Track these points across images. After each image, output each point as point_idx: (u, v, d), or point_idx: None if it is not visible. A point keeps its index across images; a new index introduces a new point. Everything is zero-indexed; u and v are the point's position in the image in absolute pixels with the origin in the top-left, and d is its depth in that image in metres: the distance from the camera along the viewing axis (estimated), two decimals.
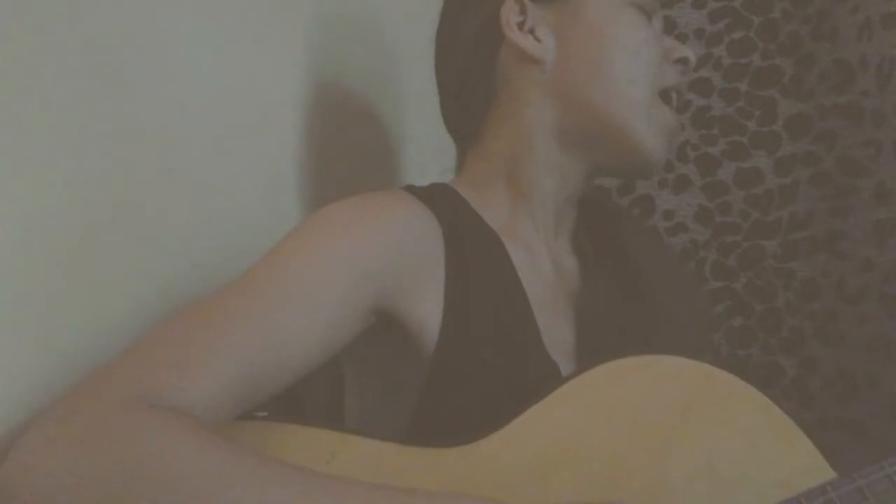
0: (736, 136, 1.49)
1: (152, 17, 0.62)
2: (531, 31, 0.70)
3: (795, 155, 1.46)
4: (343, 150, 0.89)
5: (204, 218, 0.67)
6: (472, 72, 0.73)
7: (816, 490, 0.47)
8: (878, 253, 1.36)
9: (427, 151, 0.83)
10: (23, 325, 0.50)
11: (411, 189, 0.66)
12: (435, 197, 0.65)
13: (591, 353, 0.57)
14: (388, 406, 0.63)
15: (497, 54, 0.71)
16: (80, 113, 0.55)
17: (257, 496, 0.44)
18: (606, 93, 0.68)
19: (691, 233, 1.52)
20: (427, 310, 0.60)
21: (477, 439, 0.53)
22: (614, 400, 0.53)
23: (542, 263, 0.69)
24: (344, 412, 0.69)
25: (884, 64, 1.32)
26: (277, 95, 0.78)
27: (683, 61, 0.73)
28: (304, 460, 0.49)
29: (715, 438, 0.52)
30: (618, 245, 0.74)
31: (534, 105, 0.70)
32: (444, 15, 0.77)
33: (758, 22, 1.48)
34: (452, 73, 0.74)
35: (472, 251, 0.63)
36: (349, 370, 0.67)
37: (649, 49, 0.70)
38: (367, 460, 0.52)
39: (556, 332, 0.65)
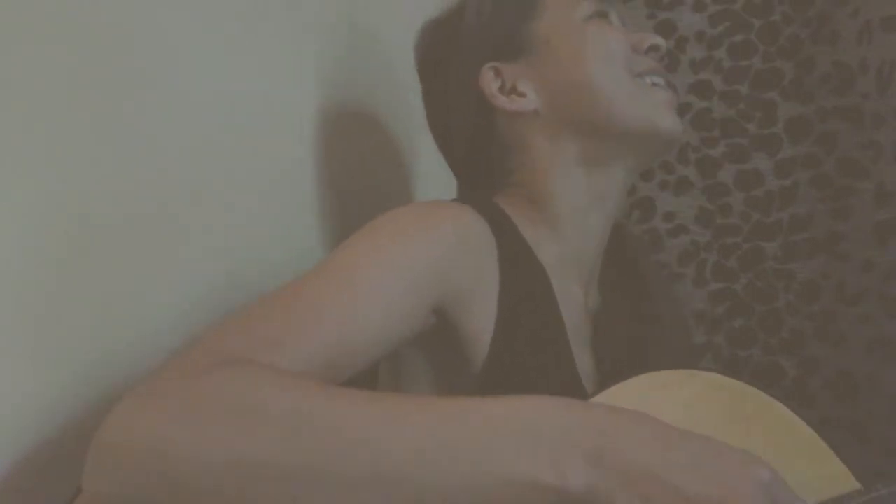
0: (736, 138, 1.50)
1: (168, 25, 0.62)
2: (513, 90, 0.73)
3: (796, 157, 1.47)
4: (355, 156, 0.90)
5: (214, 223, 0.68)
6: (478, 144, 0.76)
7: (842, 498, 0.48)
8: (878, 254, 1.38)
9: (438, 159, 0.84)
10: (25, 332, 0.50)
11: (470, 202, 0.68)
12: (488, 211, 0.67)
13: (609, 379, 0.58)
14: None
15: (494, 121, 0.75)
16: (86, 116, 0.55)
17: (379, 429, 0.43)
18: (604, 108, 0.71)
19: (692, 234, 1.53)
20: (481, 316, 0.61)
21: None
22: (649, 413, 0.53)
23: (574, 294, 0.71)
24: None
25: (884, 67, 1.33)
26: (291, 104, 0.79)
27: (654, 48, 0.76)
28: None
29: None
30: (631, 270, 0.76)
31: (544, 148, 0.73)
32: (431, 102, 0.81)
33: (758, 25, 1.49)
34: (459, 148, 0.78)
35: (521, 270, 0.65)
36: (389, 373, 0.68)
37: (617, 45, 0.73)
38: None
39: (583, 362, 0.66)
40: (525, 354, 0.62)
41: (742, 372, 1.51)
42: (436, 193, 0.94)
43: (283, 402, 0.44)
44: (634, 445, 0.43)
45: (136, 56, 0.60)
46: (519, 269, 0.65)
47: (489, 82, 0.74)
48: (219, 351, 0.48)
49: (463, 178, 0.84)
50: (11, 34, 0.49)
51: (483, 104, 0.74)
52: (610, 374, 0.66)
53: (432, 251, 0.59)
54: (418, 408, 0.44)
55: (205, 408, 0.43)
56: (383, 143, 0.98)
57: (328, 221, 0.83)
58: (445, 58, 0.78)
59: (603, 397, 0.53)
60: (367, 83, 0.95)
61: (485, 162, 0.77)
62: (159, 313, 0.61)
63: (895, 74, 1.30)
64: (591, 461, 0.41)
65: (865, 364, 1.39)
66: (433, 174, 0.97)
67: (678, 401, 0.54)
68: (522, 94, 0.73)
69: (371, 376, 0.68)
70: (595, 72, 0.71)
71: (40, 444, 0.50)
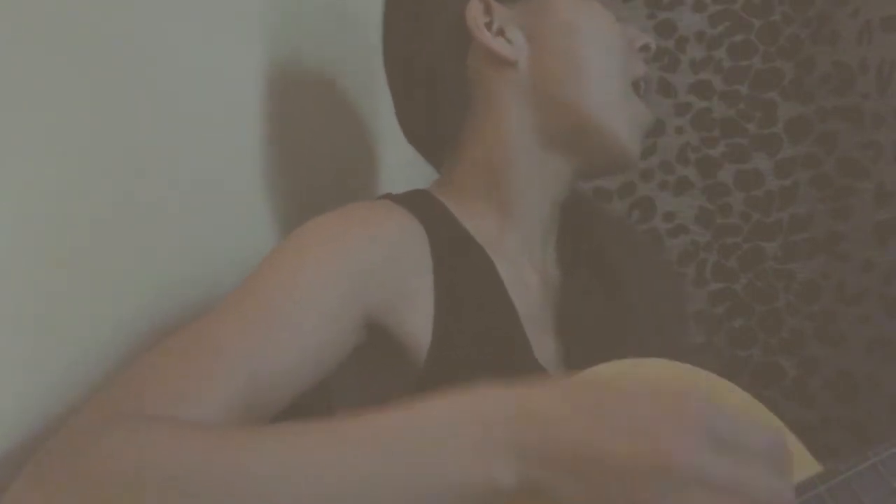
0: (736, 138, 1.50)
1: (153, 21, 0.62)
2: (500, 33, 0.67)
3: (796, 157, 1.47)
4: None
5: (218, 225, 0.67)
6: (442, 79, 0.69)
7: (805, 484, 0.47)
8: (878, 254, 1.38)
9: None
10: (21, 328, 0.49)
11: (393, 198, 0.64)
12: (419, 206, 0.63)
13: (577, 364, 0.56)
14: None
15: (466, 58, 0.68)
16: (89, 119, 0.55)
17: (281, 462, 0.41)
18: (583, 89, 0.67)
19: (692, 234, 1.53)
20: (416, 322, 0.58)
21: None
22: None
23: (528, 277, 0.67)
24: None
25: (883, 67, 1.33)
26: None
27: (645, 49, 0.72)
28: None
29: None
30: (595, 247, 0.72)
31: (511, 108, 0.68)
32: (395, 18, 0.72)
33: (758, 25, 1.49)
34: (417, 81, 0.70)
35: (459, 263, 0.61)
36: (337, 385, 0.66)
37: (617, 41, 0.69)
38: None
39: (544, 345, 0.63)
40: (470, 349, 0.58)
41: (742, 372, 1.51)
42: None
43: (174, 463, 0.41)
44: (559, 425, 0.41)
45: (131, 52, 0.59)
46: (458, 261, 0.61)
47: (477, 14, 0.66)
48: (112, 409, 0.45)
49: (415, 138, 0.75)
50: (10, 34, 0.49)
51: (459, 38, 0.67)
52: (574, 355, 0.63)
53: (353, 267, 0.56)
54: (325, 437, 0.42)
55: (92, 487, 0.40)
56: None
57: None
58: None
59: None
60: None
61: (441, 111, 0.70)
62: (157, 315, 0.61)
63: (895, 74, 1.30)
64: (516, 455, 0.40)
65: (865, 364, 1.39)
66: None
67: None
68: (509, 41, 0.67)
69: (323, 388, 0.66)
70: (593, 57, 0.67)
71: (35, 444, 0.50)
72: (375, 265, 0.57)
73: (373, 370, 0.61)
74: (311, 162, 0.85)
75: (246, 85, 0.74)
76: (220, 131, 0.70)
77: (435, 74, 0.69)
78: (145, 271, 0.60)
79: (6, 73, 0.48)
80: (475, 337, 0.59)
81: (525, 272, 0.67)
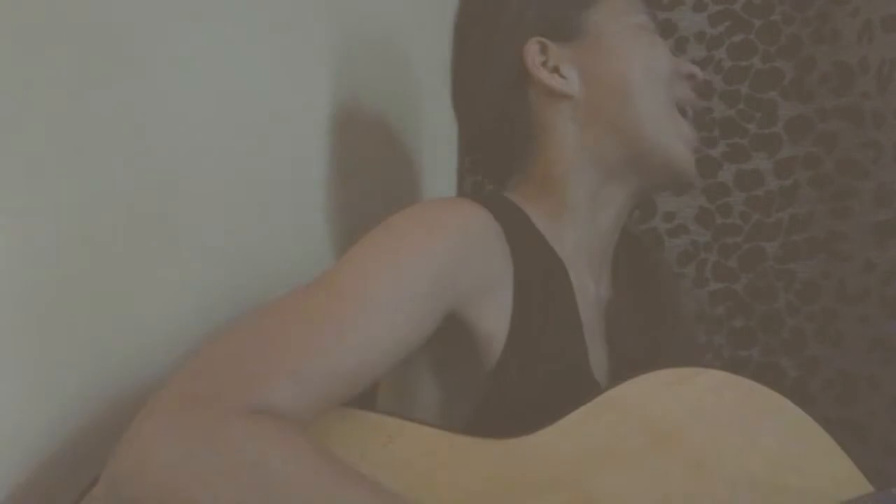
0: (736, 138, 1.50)
1: (169, 25, 0.62)
2: (556, 70, 0.74)
3: (796, 157, 1.47)
4: (361, 160, 0.89)
5: (220, 226, 0.68)
6: (505, 116, 0.76)
7: (855, 502, 0.48)
8: (878, 254, 1.37)
9: (444, 164, 0.84)
10: (28, 336, 0.50)
11: (477, 199, 0.67)
12: (498, 208, 0.67)
13: (622, 374, 0.60)
14: (437, 404, 0.65)
15: (527, 94, 0.75)
16: (90, 119, 0.55)
17: None
18: (636, 117, 0.73)
19: (692, 234, 1.53)
20: (495, 318, 0.61)
21: (526, 434, 0.55)
22: (658, 409, 0.54)
23: (588, 287, 0.72)
24: (376, 404, 0.70)
25: (884, 66, 1.32)
26: (295, 102, 0.78)
27: (692, 76, 0.79)
28: (362, 442, 0.53)
29: (756, 450, 0.54)
30: (643, 272, 0.77)
31: (570, 138, 0.73)
32: (462, 60, 0.80)
33: (758, 25, 1.48)
34: (484, 119, 0.78)
35: (536, 269, 0.65)
36: (392, 376, 0.68)
37: (663, 62, 0.76)
38: (421, 446, 0.54)
39: (596, 354, 0.67)
40: (540, 349, 0.62)
41: (742, 372, 1.50)
42: (443, 193, 0.93)
43: (292, 484, 0.45)
44: None
45: (137, 55, 0.59)
46: (535, 263, 0.66)
47: (534, 55, 0.74)
48: (237, 381, 0.48)
49: (479, 158, 0.85)
50: (10, 34, 0.48)
51: (520, 76, 0.74)
52: (621, 367, 0.67)
53: (443, 256, 0.59)
54: None
55: (223, 462, 0.44)
56: (390, 141, 0.98)
57: (333, 223, 0.83)
58: (490, 20, 0.77)
59: (614, 393, 0.54)
60: (374, 79, 0.95)
61: (506, 141, 0.77)
62: (162, 318, 0.61)
63: (895, 74, 1.30)
64: None
65: (865, 364, 1.39)
66: (441, 173, 0.96)
67: (686, 399, 0.55)
68: (564, 77, 0.74)
69: None
70: (637, 81, 0.73)
71: (41, 448, 0.50)
72: (463, 258, 0.61)
73: (444, 358, 0.64)
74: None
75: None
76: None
77: (499, 111, 0.76)
78: (151, 273, 0.60)
79: (22, 78, 0.48)
80: (543, 342, 0.64)
81: (585, 281, 0.71)
